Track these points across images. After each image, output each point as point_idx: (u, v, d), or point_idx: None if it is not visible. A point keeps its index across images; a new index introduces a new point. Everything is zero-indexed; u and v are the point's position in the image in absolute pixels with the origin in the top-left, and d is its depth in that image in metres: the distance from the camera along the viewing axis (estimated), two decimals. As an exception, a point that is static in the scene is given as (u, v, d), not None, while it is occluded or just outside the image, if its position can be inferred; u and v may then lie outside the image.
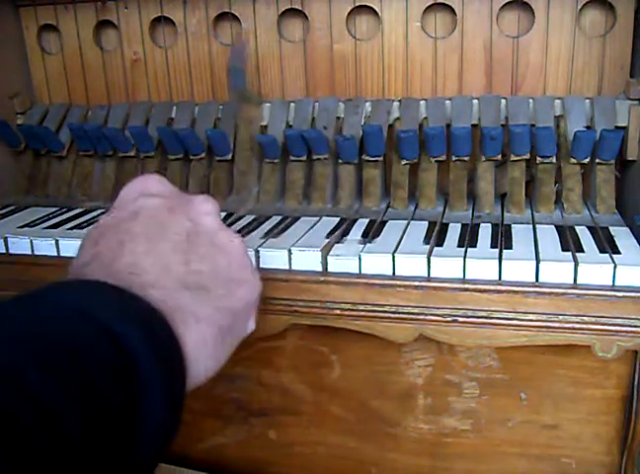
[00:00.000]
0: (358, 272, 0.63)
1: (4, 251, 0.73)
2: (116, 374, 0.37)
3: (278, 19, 0.87)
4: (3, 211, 0.86)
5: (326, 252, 0.65)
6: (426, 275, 0.61)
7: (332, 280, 0.63)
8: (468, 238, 0.66)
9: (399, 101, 0.83)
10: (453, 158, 0.78)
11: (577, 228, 0.69)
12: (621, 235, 0.66)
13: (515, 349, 0.75)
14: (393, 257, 0.62)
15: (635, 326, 0.57)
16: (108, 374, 0.37)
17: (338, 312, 0.64)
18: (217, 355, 0.49)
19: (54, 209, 0.85)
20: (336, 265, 0.64)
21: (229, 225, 0.75)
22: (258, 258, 0.66)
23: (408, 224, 0.73)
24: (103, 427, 0.36)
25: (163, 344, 0.42)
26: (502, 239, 0.66)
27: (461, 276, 0.61)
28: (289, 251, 0.65)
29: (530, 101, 0.79)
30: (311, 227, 0.73)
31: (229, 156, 0.85)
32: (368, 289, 0.62)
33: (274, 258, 0.65)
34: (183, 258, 0.48)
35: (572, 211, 0.75)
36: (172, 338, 0.43)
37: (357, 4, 0.84)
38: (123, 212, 0.51)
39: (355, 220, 0.75)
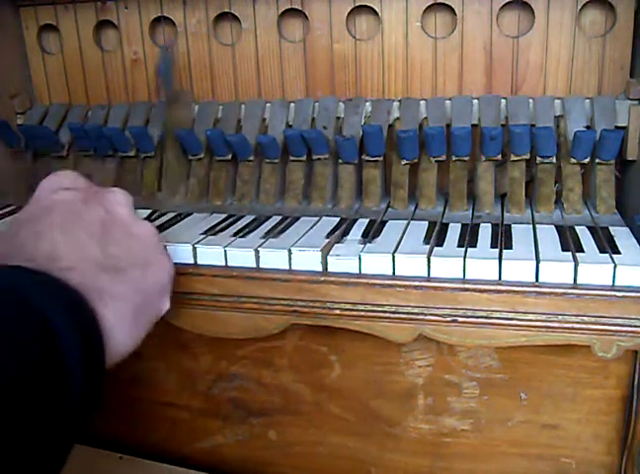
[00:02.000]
0: (358, 272, 0.63)
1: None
2: (42, 348, 0.41)
3: (278, 19, 0.87)
4: (3, 211, 0.86)
5: (326, 252, 0.65)
6: (426, 275, 0.61)
7: (332, 280, 0.63)
8: (468, 238, 0.66)
9: (399, 101, 0.83)
10: (453, 158, 0.78)
11: (577, 228, 0.69)
12: (621, 235, 0.66)
13: (514, 349, 0.75)
14: (393, 257, 0.62)
15: (635, 326, 0.57)
16: (36, 347, 0.41)
17: (338, 312, 0.64)
18: (134, 331, 0.52)
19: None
20: (336, 265, 0.64)
21: (229, 225, 0.75)
22: (258, 258, 0.66)
23: (408, 224, 0.73)
24: (31, 393, 0.40)
25: (84, 321, 0.46)
26: (502, 239, 0.66)
27: (461, 277, 0.61)
28: (289, 251, 0.65)
29: (530, 101, 0.79)
30: (311, 227, 0.73)
31: (229, 156, 0.85)
32: (368, 289, 0.62)
33: (274, 258, 0.65)
34: (98, 244, 0.53)
35: (572, 211, 0.75)
36: (91, 315, 0.47)
37: (357, 4, 0.84)
38: (40, 207, 0.55)
39: (355, 220, 0.75)
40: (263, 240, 0.69)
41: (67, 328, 0.44)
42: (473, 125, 0.78)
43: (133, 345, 0.53)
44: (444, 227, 0.71)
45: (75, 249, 0.51)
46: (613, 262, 0.58)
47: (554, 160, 0.75)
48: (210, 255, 0.67)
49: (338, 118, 0.85)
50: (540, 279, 0.59)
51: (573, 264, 0.58)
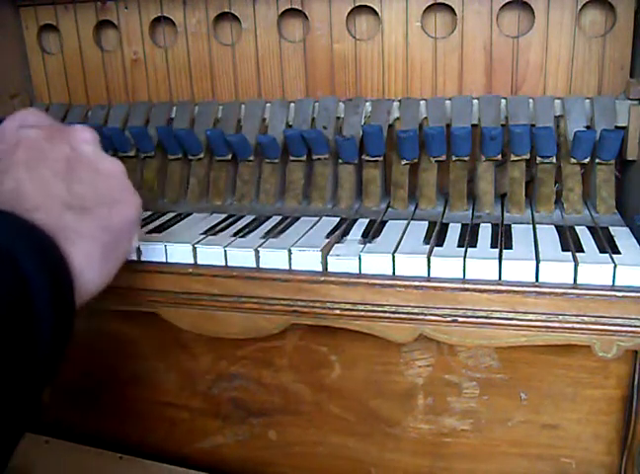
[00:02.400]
0: (358, 272, 0.63)
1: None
2: (11, 292, 0.41)
3: (278, 19, 0.87)
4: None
5: (326, 252, 0.65)
6: (426, 275, 0.61)
7: (332, 280, 0.63)
8: (468, 238, 0.66)
9: (399, 101, 0.83)
10: (453, 158, 0.78)
11: (577, 228, 0.69)
12: (621, 235, 0.66)
13: (514, 349, 0.75)
14: (393, 257, 0.62)
15: (635, 326, 0.57)
16: (5, 292, 0.41)
17: (338, 312, 0.64)
18: (103, 269, 0.52)
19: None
20: (336, 265, 0.64)
21: (229, 225, 0.75)
22: (258, 258, 0.66)
23: (408, 224, 0.73)
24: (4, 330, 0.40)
25: (52, 262, 0.45)
26: (502, 239, 0.66)
27: (461, 277, 0.61)
28: (289, 251, 0.65)
29: (530, 101, 0.79)
30: (311, 227, 0.73)
31: (229, 156, 0.85)
32: (368, 289, 0.62)
33: (274, 258, 0.65)
34: (64, 182, 0.52)
35: (572, 211, 0.75)
36: (59, 256, 0.47)
37: (357, 4, 0.84)
38: (3, 145, 0.54)
39: (355, 220, 0.75)
40: (263, 240, 0.69)
41: (36, 271, 0.43)
42: (473, 125, 0.78)
43: (103, 283, 0.52)
44: (444, 227, 0.71)
45: (40, 188, 0.50)
46: (613, 262, 0.58)
47: (554, 160, 0.75)
48: (210, 255, 0.67)
49: (338, 118, 0.85)
50: (540, 279, 0.59)
51: (573, 264, 0.58)
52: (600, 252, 0.61)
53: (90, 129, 0.58)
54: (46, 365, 0.44)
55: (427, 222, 0.73)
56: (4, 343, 0.41)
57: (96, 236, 0.51)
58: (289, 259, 0.65)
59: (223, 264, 0.67)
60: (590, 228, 0.69)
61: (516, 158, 0.76)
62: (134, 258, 0.70)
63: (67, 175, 0.53)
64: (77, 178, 0.53)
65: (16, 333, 0.42)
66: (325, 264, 0.64)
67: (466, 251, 0.62)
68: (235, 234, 0.71)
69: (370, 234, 0.69)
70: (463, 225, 0.72)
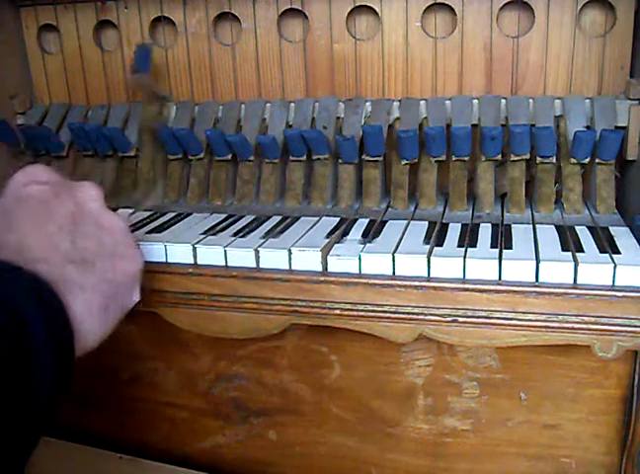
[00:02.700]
0: (358, 272, 0.63)
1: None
2: (11, 339, 0.42)
3: (278, 19, 0.87)
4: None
5: (326, 252, 0.65)
6: (426, 275, 0.61)
7: (332, 280, 0.63)
8: (468, 238, 0.66)
9: (399, 101, 0.83)
10: (453, 158, 0.78)
11: (577, 228, 0.69)
12: (621, 235, 0.66)
13: (514, 349, 0.75)
14: (393, 257, 0.62)
15: (635, 326, 0.57)
16: (6, 339, 0.42)
17: (338, 312, 0.64)
18: (103, 321, 0.54)
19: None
20: (336, 265, 0.64)
21: (229, 225, 0.75)
22: (258, 258, 0.66)
23: (408, 224, 0.73)
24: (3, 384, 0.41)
25: (52, 310, 0.47)
26: (502, 239, 0.66)
27: (461, 276, 0.61)
28: (289, 251, 0.65)
29: (530, 101, 0.79)
30: (311, 227, 0.73)
31: (229, 156, 0.85)
32: (368, 289, 0.62)
33: (274, 258, 0.65)
34: (68, 236, 0.54)
35: (572, 211, 0.75)
36: (60, 305, 0.48)
37: (357, 4, 0.84)
38: (11, 199, 0.56)
39: (355, 220, 0.75)
40: (263, 240, 0.69)
41: (36, 315, 0.45)
42: (473, 125, 0.78)
43: (103, 335, 0.54)
44: (444, 227, 0.71)
45: (44, 240, 0.52)
46: (613, 262, 0.58)
47: (554, 160, 0.75)
48: (210, 255, 0.67)
49: (338, 118, 0.85)
50: (540, 279, 0.59)
51: (573, 264, 0.58)
52: (600, 252, 0.61)
53: (95, 186, 0.59)
54: (45, 411, 0.46)
55: (427, 222, 0.73)
56: (3, 383, 0.42)
57: (97, 289, 0.53)
58: (289, 259, 0.65)
59: (223, 264, 0.67)
60: (590, 228, 0.69)
61: (516, 158, 0.76)
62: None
63: (72, 229, 0.54)
64: (81, 233, 0.55)
65: (16, 376, 0.43)
66: (325, 264, 0.64)
67: (466, 251, 0.62)
68: (235, 234, 0.71)
69: (370, 234, 0.69)
70: (463, 225, 0.72)
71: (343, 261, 0.63)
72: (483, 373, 0.79)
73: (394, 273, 0.62)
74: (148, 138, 0.88)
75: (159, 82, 0.93)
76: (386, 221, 0.74)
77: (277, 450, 0.91)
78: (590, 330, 0.58)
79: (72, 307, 0.50)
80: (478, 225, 0.71)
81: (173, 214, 0.81)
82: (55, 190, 0.57)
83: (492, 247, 0.64)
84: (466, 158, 0.77)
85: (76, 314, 0.50)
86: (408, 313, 0.62)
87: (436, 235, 0.68)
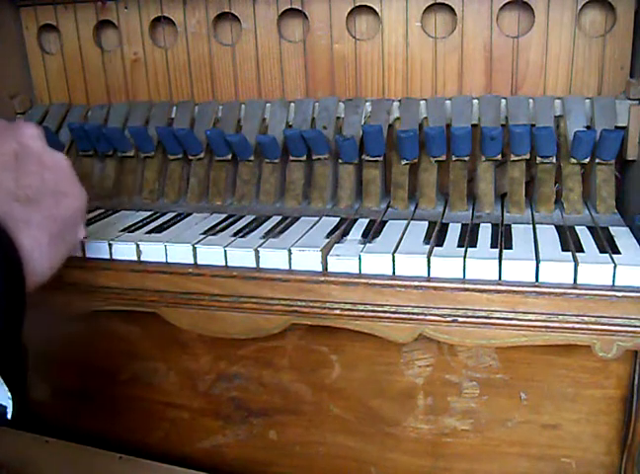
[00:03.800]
0: (358, 272, 0.63)
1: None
2: None
3: (278, 19, 0.87)
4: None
5: (326, 252, 0.65)
6: (426, 275, 0.61)
7: (332, 280, 0.63)
8: (468, 238, 0.66)
9: (399, 101, 0.83)
10: (453, 158, 0.78)
11: (577, 228, 0.69)
12: (621, 235, 0.66)
13: (515, 349, 0.75)
14: (393, 257, 0.62)
15: (635, 326, 0.57)
16: None
17: (338, 312, 0.64)
18: (51, 256, 0.55)
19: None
20: (336, 265, 0.64)
21: (229, 225, 0.75)
22: (258, 258, 0.66)
23: (408, 224, 0.73)
24: None
25: (3, 246, 0.48)
26: (502, 239, 0.66)
27: (461, 276, 0.61)
28: (289, 251, 0.65)
29: (530, 101, 0.79)
30: (311, 227, 0.73)
31: (229, 156, 0.85)
32: (368, 289, 0.62)
33: (274, 258, 0.65)
34: (12, 175, 0.54)
35: (572, 211, 0.75)
36: (8, 239, 0.49)
37: (357, 4, 0.84)
38: None
39: (355, 220, 0.75)
40: (263, 240, 0.69)
41: None
42: (473, 125, 0.78)
43: (51, 271, 0.55)
44: (444, 227, 0.71)
45: None
46: (613, 262, 0.58)
47: (554, 160, 0.75)
48: (210, 255, 0.67)
49: (338, 118, 0.85)
50: (540, 279, 0.59)
51: (573, 264, 0.58)
52: (600, 252, 0.61)
53: (36, 125, 0.60)
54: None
55: (427, 222, 0.73)
56: None
57: (43, 224, 0.54)
58: (289, 259, 0.65)
59: (223, 264, 0.67)
60: (590, 228, 0.69)
61: (516, 158, 0.76)
62: (134, 258, 0.70)
63: (15, 168, 0.55)
64: (24, 171, 0.56)
65: None
66: (325, 264, 0.64)
67: (466, 251, 0.62)
68: (235, 234, 0.71)
69: (370, 234, 0.69)
70: (463, 225, 0.72)
71: (343, 261, 0.63)
72: (483, 373, 0.79)
73: (394, 273, 0.62)
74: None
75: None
76: (386, 221, 0.74)
77: (277, 450, 0.91)
78: (590, 330, 0.58)
79: (20, 243, 0.51)
80: (478, 225, 0.71)
81: (173, 214, 0.81)
82: None
83: (492, 247, 0.64)
84: (466, 158, 0.77)
85: (24, 249, 0.51)
86: (408, 313, 0.62)
87: (436, 235, 0.68)
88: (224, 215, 0.79)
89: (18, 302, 0.48)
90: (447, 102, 0.81)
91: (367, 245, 0.66)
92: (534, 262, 0.59)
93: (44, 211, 0.55)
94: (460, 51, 0.82)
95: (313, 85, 0.89)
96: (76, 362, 0.97)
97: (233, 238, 0.70)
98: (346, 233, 0.71)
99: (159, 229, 0.75)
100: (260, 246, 0.66)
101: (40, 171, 0.57)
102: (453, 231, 0.70)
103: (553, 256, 0.60)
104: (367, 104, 0.84)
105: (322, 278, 0.63)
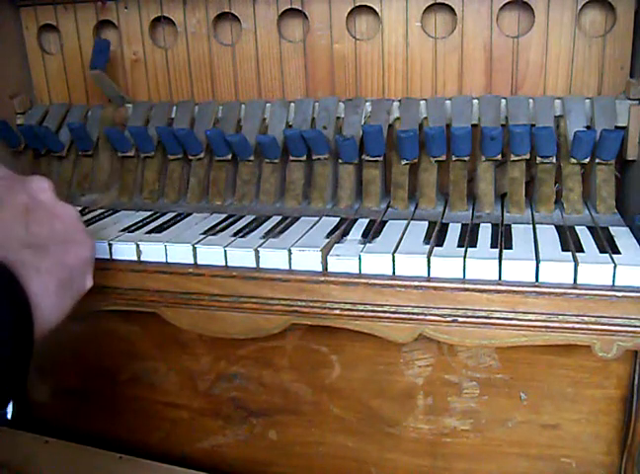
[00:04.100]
0: (358, 272, 0.63)
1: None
2: None
3: (278, 19, 0.87)
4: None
5: (326, 252, 0.65)
6: (426, 275, 0.61)
7: (332, 280, 0.63)
8: (468, 238, 0.66)
9: (399, 101, 0.83)
10: (453, 158, 0.78)
11: (577, 228, 0.69)
12: (621, 235, 0.66)
13: (514, 349, 0.75)
14: (393, 257, 0.62)
15: (635, 326, 0.57)
16: None
17: (338, 312, 0.64)
18: (59, 304, 0.56)
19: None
20: (336, 265, 0.64)
21: (229, 225, 0.75)
22: (258, 258, 0.66)
23: (408, 224, 0.73)
24: None
25: (11, 291, 0.49)
26: (502, 239, 0.66)
27: (461, 276, 0.61)
28: (289, 251, 0.65)
29: (530, 101, 0.79)
30: (311, 227, 0.73)
31: (229, 156, 0.85)
32: (368, 289, 0.62)
33: (274, 258, 0.65)
34: (23, 224, 0.57)
35: (572, 211, 0.75)
36: (18, 285, 0.50)
37: (357, 4, 0.84)
38: None
39: (355, 220, 0.75)
40: (263, 240, 0.69)
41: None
42: (473, 125, 0.78)
43: (59, 318, 0.56)
44: (444, 227, 0.71)
45: (0, 230, 0.55)
46: (613, 262, 0.58)
47: (554, 160, 0.75)
48: (210, 255, 0.67)
49: (338, 118, 0.85)
50: (540, 279, 0.59)
51: (573, 264, 0.58)
52: (600, 252, 0.61)
53: (45, 179, 0.62)
54: (5, 384, 0.47)
55: (427, 222, 0.73)
56: None
57: (53, 272, 0.55)
58: (289, 259, 0.65)
59: (223, 264, 0.67)
60: (590, 228, 0.69)
61: (516, 158, 0.76)
62: (134, 258, 0.70)
63: (25, 218, 0.57)
64: (35, 221, 0.58)
65: None
66: (325, 264, 0.64)
67: (466, 251, 0.62)
68: (235, 234, 0.71)
69: (370, 234, 0.69)
70: (463, 225, 0.72)
71: (343, 261, 0.63)
72: (483, 373, 0.79)
73: (394, 273, 0.62)
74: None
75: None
76: (386, 221, 0.74)
77: (277, 450, 0.91)
78: (590, 330, 0.58)
79: (30, 289, 0.52)
80: (478, 225, 0.71)
81: (173, 214, 0.81)
82: (8, 184, 0.60)
83: (492, 247, 0.64)
84: (466, 158, 0.77)
85: (33, 295, 0.52)
86: (408, 313, 0.62)
87: (436, 235, 0.68)
88: (224, 215, 0.79)
89: (26, 348, 0.49)
90: (447, 102, 0.81)
91: (367, 245, 0.66)
92: (534, 262, 0.59)
93: (54, 259, 0.56)
94: (460, 51, 0.82)
95: (313, 85, 0.89)
96: (76, 362, 0.97)
97: (233, 238, 0.70)
98: (346, 233, 0.71)
99: (159, 229, 0.75)
100: (260, 246, 0.66)
101: (51, 221, 0.59)
102: (453, 231, 0.70)
103: (553, 256, 0.60)
104: (367, 104, 0.84)
105: (322, 278, 0.63)
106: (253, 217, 0.78)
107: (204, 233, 0.72)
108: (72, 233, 0.61)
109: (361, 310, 0.63)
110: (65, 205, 0.62)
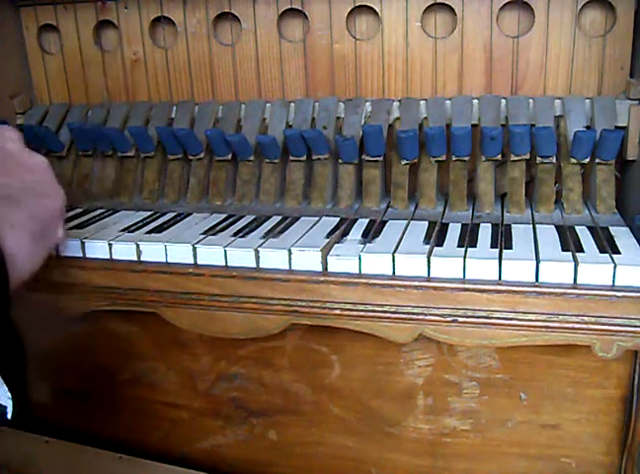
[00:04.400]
0: (358, 272, 0.63)
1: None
2: None
3: (278, 19, 0.87)
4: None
5: (326, 252, 0.65)
6: (426, 274, 0.61)
7: (332, 280, 0.63)
8: (468, 238, 0.66)
9: (399, 101, 0.83)
10: (453, 158, 0.78)
11: (577, 228, 0.69)
12: (621, 235, 0.66)
13: (515, 349, 0.75)
14: (393, 257, 0.62)
15: (635, 326, 0.57)
16: None
17: (338, 312, 0.64)
18: (33, 256, 0.56)
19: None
20: (336, 265, 0.64)
21: (229, 225, 0.75)
22: (258, 258, 0.66)
23: (408, 224, 0.73)
24: None
25: None
26: (502, 239, 0.66)
27: (461, 276, 0.61)
28: (289, 251, 0.65)
29: (530, 101, 0.79)
30: (311, 227, 0.73)
31: (229, 156, 0.85)
32: (368, 289, 0.62)
33: (274, 258, 0.65)
34: None
35: (572, 211, 0.75)
36: None
37: (357, 4, 0.84)
38: None
39: (355, 220, 0.75)
40: (263, 240, 0.69)
41: None
42: (473, 125, 0.78)
43: (32, 269, 0.56)
44: (444, 227, 0.71)
45: None
46: (613, 262, 0.58)
47: (554, 160, 0.75)
48: (210, 255, 0.67)
49: (338, 118, 0.85)
50: (540, 279, 0.59)
51: (573, 264, 0.58)
52: (600, 252, 0.61)
53: (13, 129, 0.62)
54: None
55: (427, 222, 0.73)
56: None
57: (25, 224, 0.55)
58: (289, 259, 0.65)
59: (223, 264, 0.67)
60: (590, 228, 0.69)
61: (516, 158, 0.76)
62: (134, 258, 0.70)
63: None
64: (4, 172, 0.58)
65: None
66: (325, 264, 0.64)
67: (466, 251, 0.62)
68: (235, 234, 0.71)
69: (370, 234, 0.69)
70: (463, 225, 0.72)
71: (343, 261, 0.63)
72: (483, 373, 0.79)
73: (394, 273, 0.62)
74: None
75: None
76: (386, 221, 0.74)
77: (277, 450, 0.91)
78: (590, 330, 0.58)
79: (4, 242, 0.52)
80: (478, 225, 0.71)
81: (173, 214, 0.81)
82: None
83: (492, 247, 0.64)
84: (466, 158, 0.77)
85: (7, 247, 0.52)
86: (408, 313, 0.62)
87: (436, 235, 0.68)
88: (224, 215, 0.79)
89: (1, 299, 0.49)
90: (447, 102, 0.81)
91: (367, 245, 0.66)
92: (534, 262, 0.59)
93: (26, 211, 0.56)
94: (460, 51, 0.82)
95: (313, 85, 0.89)
96: (76, 363, 0.97)
97: (233, 238, 0.70)
98: (346, 233, 0.71)
99: (159, 229, 0.75)
100: (260, 246, 0.66)
101: (19, 172, 0.59)
102: (453, 231, 0.70)
103: (553, 256, 0.60)
104: (367, 104, 0.84)
105: (322, 278, 0.63)
106: (253, 217, 0.78)
107: (204, 233, 0.72)
108: (42, 185, 0.61)
109: (361, 310, 0.63)
110: (35, 155, 0.62)
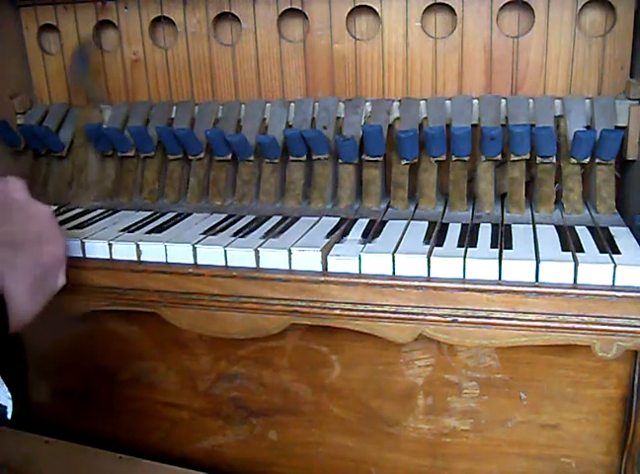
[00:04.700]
0: (358, 272, 0.63)
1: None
2: None
3: (278, 19, 0.87)
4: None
5: (326, 252, 0.65)
6: (426, 274, 0.61)
7: (332, 280, 0.63)
8: (468, 238, 0.66)
9: (399, 101, 0.83)
10: (453, 158, 0.78)
11: (577, 228, 0.69)
12: (621, 235, 0.66)
13: (515, 349, 0.75)
14: (393, 257, 0.62)
15: (635, 326, 0.57)
16: None
17: (338, 312, 0.64)
18: (33, 301, 0.58)
19: (54, 209, 0.85)
20: (336, 265, 0.64)
21: (229, 225, 0.75)
22: (258, 258, 0.66)
23: (408, 224, 0.73)
24: None
25: None
26: (502, 239, 0.66)
27: (461, 276, 0.61)
28: (289, 251, 0.65)
29: (530, 101, 0.79)
30: (311, 227, 0.73)
31: (229, 156, 0.85)
32: (368, 289, 0.62)
33: (274, 258, 0.65)
34: None
35: (572, 211, 0.75)
36: None
37: (357, 4, 0.84)
38: None
39: (355, 220, 0.75)
40: (263, 240, 0.69)
41: None
42: (473, 125, 0.78)
43: (33, 314, 0.58)
44: (444, 227, 0.71)
45: None
46: (613, 262, 0.58)
47: (554, 160, 0.75)
48: (210, 255, 0.67)
49: (338, 118, 0.85)
50: (540, 279, 0.59)
51: (573, 264, 0.58)
52: (600, 252, 0.61)
53: (18, 180, 0.64)
54: None
55: (427, 222, 0.73)
56: None
57: (27, 269, 0.57)
58: (289, 259, 0.65)
59: (223, 264, 0.67)
60: (590, 228, 0.69)
61: (516, 158, 0.76)
62: (134, 258, 0.70)
63: (0, 217, 0.59)
64: (9, 220, 0.60)
65: None
66: (325, 264, 0.64)
67: (466, 251, 0.62)
68: (235, 234, 0.71)
69: (370, 234, 0.69)
70: (463, 225, 0.72)
71: (343, 261, 0.63)
72: (483, 373, 0.79)
73: (394, 273, 0.62)
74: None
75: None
76: (386, 221, 0.74)
77: (277, 450, 0.91)
78: (590, 330, 0.58)
79: (5, 284, 0.53)
80: (478, 225, 0.71)
81: (173, 214, 0.81)
82: None
83: (492, 247, 0.64)
84: (466, 158, 0.77)
85: (8, 291, 0.53)
86: (408, 313, 0.62)
87: (436, 235, 0.68)
88: (224, 215, 0.79)
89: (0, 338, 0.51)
90: (447, 102, 0.81)
91: (367, 245, 0.66)
92: (534, 262, 0.59)
93: (29, 257, 0.58)
94: (460, 51, 0.82)
95: (313, 85, 0.89)
96: (76, 363, 0.97)
97: (233, 238, 0.70)
98: (346, 233, 0.71)
99: (159, 229, 0.75)
100: (260, 246, 0.66)
101: (24, 220, 0.61)
102: (453, 231, 0.70)
103: (553, 256, 0.60)
104: (367, 104, 0.84)
105: (322, 278, 0.63)
106: (253, 217, 0.78)
107: (204, 233, 0.72)
108: (46, 232, 0.62)
109: (361, 310, 0.63)
110: (39, 205, 0.64)
